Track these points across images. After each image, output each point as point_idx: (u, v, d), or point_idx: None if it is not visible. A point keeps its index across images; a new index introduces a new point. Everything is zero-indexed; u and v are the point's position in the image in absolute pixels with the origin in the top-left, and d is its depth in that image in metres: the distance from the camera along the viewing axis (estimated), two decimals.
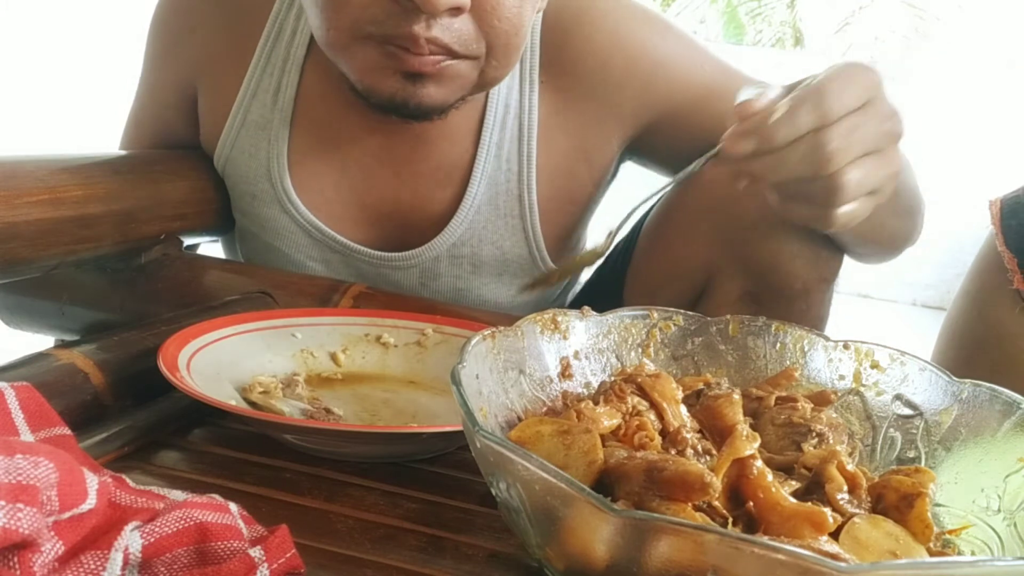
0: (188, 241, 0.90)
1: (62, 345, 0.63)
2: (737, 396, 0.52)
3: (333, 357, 0.71)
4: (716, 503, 0.43)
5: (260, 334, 0.69)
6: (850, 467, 0.47)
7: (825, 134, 0.53)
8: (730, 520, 0.43)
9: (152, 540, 0.38)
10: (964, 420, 0.52)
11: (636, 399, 0.51)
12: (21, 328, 0.90)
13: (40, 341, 0.95)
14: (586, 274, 1.02)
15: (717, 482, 0.40)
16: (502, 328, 0.53)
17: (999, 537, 0.47)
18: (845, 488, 0.46)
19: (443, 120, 0.81)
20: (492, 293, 0.90)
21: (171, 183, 0.86)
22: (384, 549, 0.48)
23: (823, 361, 0.59)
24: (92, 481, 0.38)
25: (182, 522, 0.39)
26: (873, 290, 4.27)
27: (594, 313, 0.58)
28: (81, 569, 0.36)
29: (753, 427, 0.51)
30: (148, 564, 0.38)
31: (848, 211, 0.57)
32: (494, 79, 0.75)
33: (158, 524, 0.39)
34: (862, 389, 0.58)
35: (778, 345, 0.60)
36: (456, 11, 0.67)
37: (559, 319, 0.56)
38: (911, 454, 0.54)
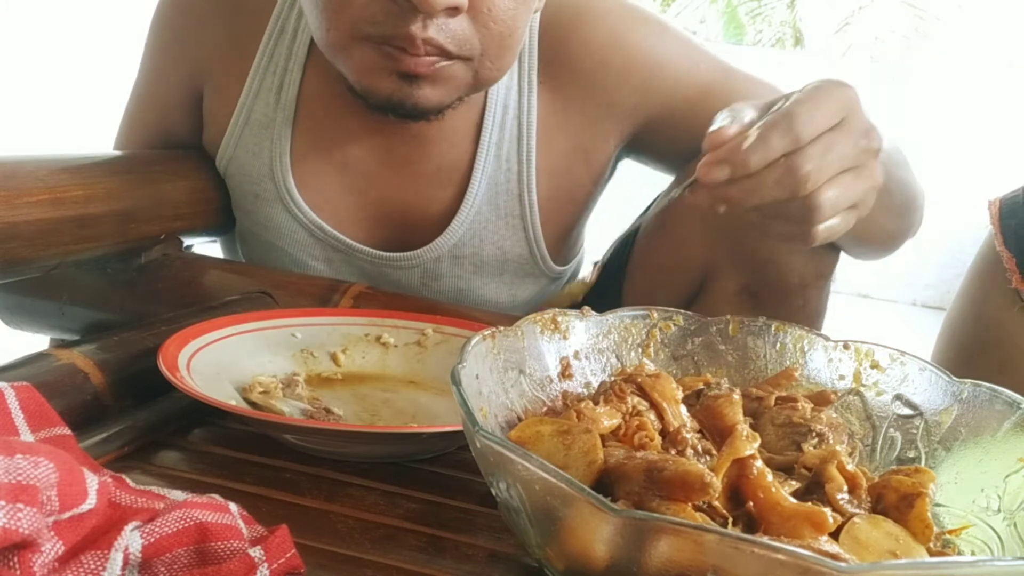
0: (188, 241, 0.90)
1: (62, 345, 0.63)
2: (737, 396, 0.51)
3: (333, 357, 0.71)
4: (716, 503, 0.43)
5: (260, 334, 0.69)
6: (850, 467, 0.47)
7: (798, 157, 0.53)
8: (730, 520, 0.43)
9: (152, 540, 0.38)
10: (964, 420, 0.52)
11: (636, 399, 0.51)
12: (21, 328, 0.90)
13: (40, 341, 0.95)
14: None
15: (717, 482, 0.40)
16: (502, 328, 0.53)
17: (999, 537, 0.47)
18: (845, 488, 0.46)
19: (442, 121, 0.81)
20: (493, 293, 0.90)
21: (171, 183, 0.86)
22: (384, 549, 0.48)
23: (823, 361, 0.59)
24: (92, 481, 0.38)
25: (182, 522, 0.39)
26: (873, 290, 4.27)
27: (594, 313, 0.58)
28: (81, 569, 0.36)
29: (753, 427, 0.51)
30: (148, 564, 0.38)
31: (828, 227, 0.57)
32: (489, 80, 0.76)
33: (158, 524, 0.39)
34: (862, 389, 0.57)
35: (778, 345, 0.60)
36: (453, 11, 0.67)
37: (559, 319, 0.56)
38: (911, 454, 0.54)
